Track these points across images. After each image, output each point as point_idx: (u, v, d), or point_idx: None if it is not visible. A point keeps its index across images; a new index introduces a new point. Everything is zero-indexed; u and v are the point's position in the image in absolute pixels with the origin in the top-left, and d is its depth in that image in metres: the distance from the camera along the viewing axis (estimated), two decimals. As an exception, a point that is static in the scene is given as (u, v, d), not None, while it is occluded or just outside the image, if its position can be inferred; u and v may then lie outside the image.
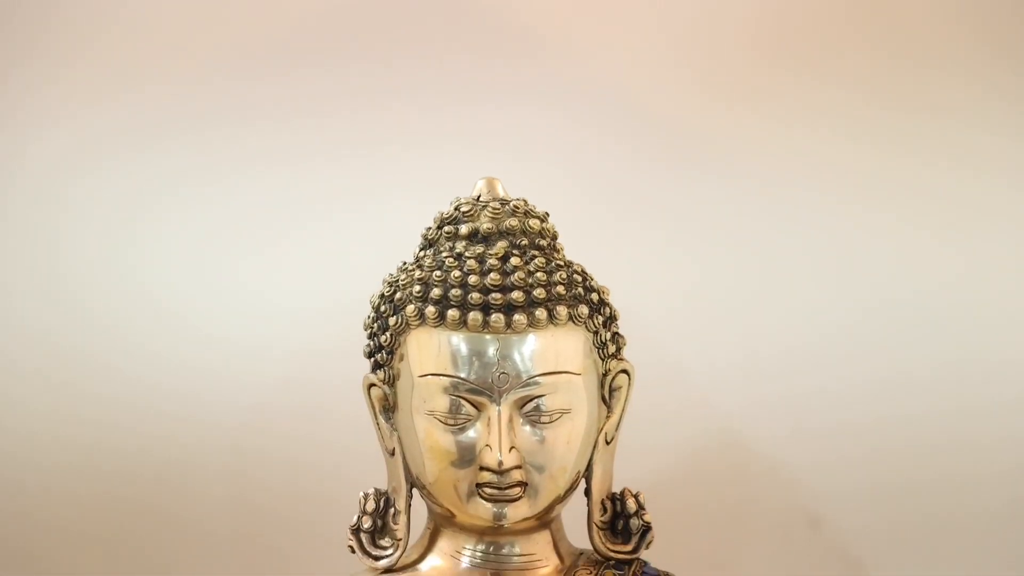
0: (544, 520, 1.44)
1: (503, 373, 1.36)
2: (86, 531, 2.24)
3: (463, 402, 1.37)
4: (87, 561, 2.23)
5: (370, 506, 1.47)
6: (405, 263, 1.48)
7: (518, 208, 1.46)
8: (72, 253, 2.30)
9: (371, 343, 1.46)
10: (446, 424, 1.38)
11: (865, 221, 2.29)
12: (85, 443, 2.24)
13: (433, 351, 1.39)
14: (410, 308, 1.40)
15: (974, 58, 2.29)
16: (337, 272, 2.24)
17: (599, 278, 1.48)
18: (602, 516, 1.47)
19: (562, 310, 1.38)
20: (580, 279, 1.43)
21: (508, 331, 1.37)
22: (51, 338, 2.26)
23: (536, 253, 1.42)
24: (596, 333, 1.43)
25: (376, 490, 1.49)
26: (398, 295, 1.42)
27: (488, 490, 1.38)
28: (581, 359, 1.41)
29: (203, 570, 2.22)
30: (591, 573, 1.45)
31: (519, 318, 1.36)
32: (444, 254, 1.43)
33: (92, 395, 2.25)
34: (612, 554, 1.47)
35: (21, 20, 2.30)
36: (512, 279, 1.38)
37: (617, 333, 1.47)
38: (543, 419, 1.38)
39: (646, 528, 1.46)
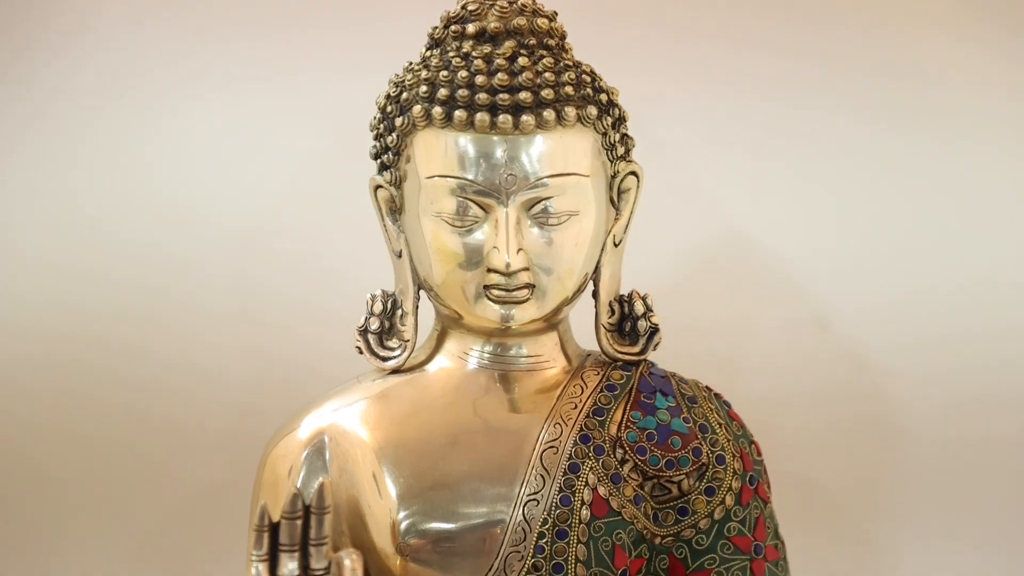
0: (551, 322, 1.44)
1: (511, 175, 1.35)
2: (93, 339, 2.26)
3: (470, 204, 1.36)
4: (97, 368, 2.26)
5: (377, 308, 1.47)
6: (411, 63, 1.45)
7: (526, 7, 1.43)
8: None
9: (377, 144, 1.45)
10: (453, 226, 1.37)
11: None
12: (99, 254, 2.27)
13: (440, 152, 1.37)
14: (417, 109, 1.38)
15: None
16: (340, 76, 2.21)
17: (607, 80, 1.45)
18: (610, 318, 1.48)
19: (570, 111, 1.36)
20: (589, 80, 1.41)
21: (516, 132, 1.35)
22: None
23: (544, 53, 1.40)
24: (605, 135, 1.41)
25: (383, 292, 1.49)
26: (404, 96, 1.40)
27: (495, 292, 1.38)
28: (589, 161, 1.39)
29: (211, 372, 2.24)
30: (598, 374, 1.46)
31: (527, 119, 1.35)
32: (451, 54, 1.40)
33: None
34: (619, 355, 1.47)
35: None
36: (520, 79, 1.36)
37: (626, 135, 1.46)
38: (551, 221, 1.37)
39: (653, 329, 1.47)
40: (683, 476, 1.41)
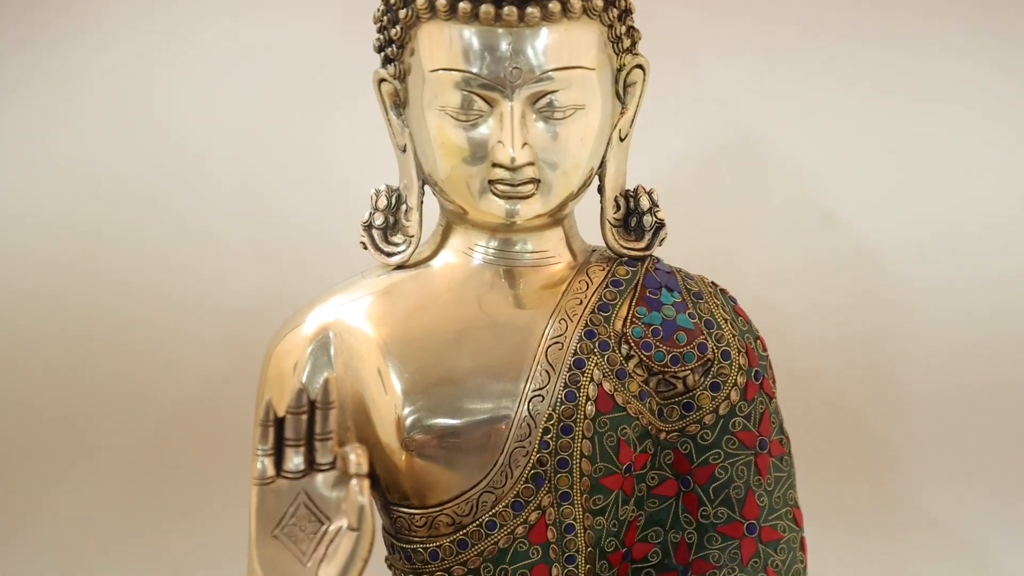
0: (557, 217, 1.43)
1: (516, 68, 1.34)
2: (93, 240, 2.26)
3: (475, 98, 1.35)
4: (96, 273, 2.27)
5: (382, 203, 1.46)
6: (415, -47, 1.42)
7: None
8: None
9: (381, 37, 1.43)
10: (458, 120, 1.36)
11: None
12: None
13: (444, 45, 1.35)
14: (420, 0, 1.35)
15: None
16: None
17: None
18: (615, 213, 1.47)
19: (576, 3, 1.34)
20: (595, -30, 1.38)
21: (521, 24, 1.33)
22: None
23: (549, -59, 1.37)
24: (611, 27, 1.39)
25: (388, 187, 1.48)
26: (408, -13, 1.38)
27: (501, 187, 1.37)
28: (595, 54, 1.38)
29: (214, 267, 2.24)
30: (603, 269, 1.45)
31: (532, 11, 1.32)
32: (455, -57, 1.38)
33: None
34: (625, 251, 1.47)
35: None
36: (525, -30, 1.33)
37: (632, 27, 1.43)
38: (556, 115, 1.36)
39: (659, 225, 1.46)
40: (688, 372, 1.41)
